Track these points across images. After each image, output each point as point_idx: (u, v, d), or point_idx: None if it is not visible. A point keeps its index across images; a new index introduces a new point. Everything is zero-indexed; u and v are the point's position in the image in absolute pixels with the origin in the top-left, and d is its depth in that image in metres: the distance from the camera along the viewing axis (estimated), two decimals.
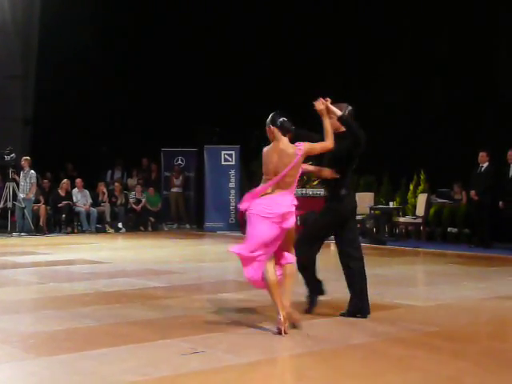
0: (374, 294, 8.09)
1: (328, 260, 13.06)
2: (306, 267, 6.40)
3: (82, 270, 10.23)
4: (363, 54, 17.11)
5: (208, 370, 4.70)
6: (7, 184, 16.36)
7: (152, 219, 18.57)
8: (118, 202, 18.22)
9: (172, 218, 19.32)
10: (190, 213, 19.56)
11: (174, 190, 19.31)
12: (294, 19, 18.45)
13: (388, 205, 15.73)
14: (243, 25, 18.61)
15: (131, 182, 19.63)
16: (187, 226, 19.15)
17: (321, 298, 6.77)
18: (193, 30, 19.28)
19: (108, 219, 18.03)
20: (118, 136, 19.68)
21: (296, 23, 18.37)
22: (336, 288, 8.48)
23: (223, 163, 18.37)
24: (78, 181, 17.74)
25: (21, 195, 16.27)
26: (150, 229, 18.45)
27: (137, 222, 18.40)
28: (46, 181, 18.29)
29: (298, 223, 15.55)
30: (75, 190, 17.63)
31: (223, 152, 18.41)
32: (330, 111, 6.33)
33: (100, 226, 17.93)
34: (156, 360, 4.91)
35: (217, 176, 18.27)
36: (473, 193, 13.86)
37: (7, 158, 16.28)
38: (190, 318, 6.32)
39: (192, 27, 19.33)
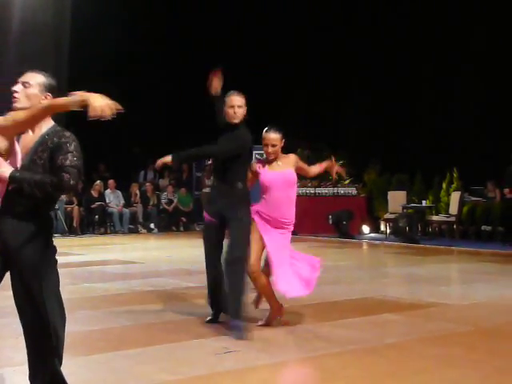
0: (407, 293, 8.07)
1: (362, 259, 13.04)
2: None
3: (116, 270, 10.30)
4: (402, 57, 17.00)
5: (242, 369, 4.70)
6: None
7: (184, 219, 18.63)
8: (150, 202, 18.31)
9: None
10: None
11: (206, 190, 19.30)
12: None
13: (421, 203, 15.61)
14: (284, 25, 18.58)
15: (163, 182, 19.71)
16: None
17: (354, 297, 6.73)
18: (234, 29, 19.24)
19: (140, 220, 18.13)
20: (150, 136, 19.76)
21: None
22: (371, 288, 8.46)
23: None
24: (111, 182, 17.86)
25: None
26: (181, 229, 18.51)
27: (169, 223, 18.47)
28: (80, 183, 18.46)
29: (331, 222, 15.72)
30: (108, 191, 17.75)
31: (254, 152, 18.34)
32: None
33: (132, 226, 18.03)
34: (190, 359, 4.92)
35: None
36: (507, 190, 13.70)
37: None
38: (223, 318, 6.32)
39: (237, 28, 19.29)
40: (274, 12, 18.77)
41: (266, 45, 18.48)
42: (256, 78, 17.74)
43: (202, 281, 8.88)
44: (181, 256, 12.42)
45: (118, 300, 7.43)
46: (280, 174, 5.91)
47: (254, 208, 6.01)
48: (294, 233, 6.12)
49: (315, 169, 6.42)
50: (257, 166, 6.03)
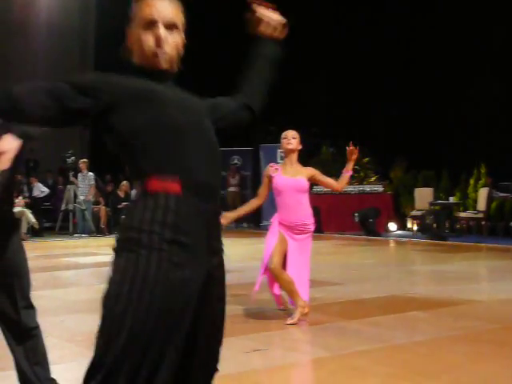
0: (436, 291, 8.01)
1: (388, 257, 12.97)
2: None
3: None
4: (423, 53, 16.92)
5: (271, 368, 4.69)
6: (68, 187, 16.66)
7: None
8: None
9: None
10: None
11: (231, 189, 19.37)
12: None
13: (448, 200, 15.50)
14: (303, 17, 18.53)
15: None
16: (244, 224, 19.18)
17: (381, 295, 6.61)
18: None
19: None
20: None
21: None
22: (398, 286, 8.40)
23: (279, 161, 18.35)
24: None
25: (80, 197, 16.56)
26: None
27: None
28: (110, 184, 18.69)
29: (357, 219, 15.67)
30: (134, 191, 17.84)
31: (279, 150, 18.38)
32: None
33: None
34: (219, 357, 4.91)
35: None
36: None
37: (69, 161, 16.57)
38: (250, 316, 6.32)
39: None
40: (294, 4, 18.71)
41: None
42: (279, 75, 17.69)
43: (227, 280, 8.90)
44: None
45: None
46: (291, 180, 6.04)
47: (275, 218, 6.12)
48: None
49: (342, 181, 6.21)
50: (271, 171, 6.08)
